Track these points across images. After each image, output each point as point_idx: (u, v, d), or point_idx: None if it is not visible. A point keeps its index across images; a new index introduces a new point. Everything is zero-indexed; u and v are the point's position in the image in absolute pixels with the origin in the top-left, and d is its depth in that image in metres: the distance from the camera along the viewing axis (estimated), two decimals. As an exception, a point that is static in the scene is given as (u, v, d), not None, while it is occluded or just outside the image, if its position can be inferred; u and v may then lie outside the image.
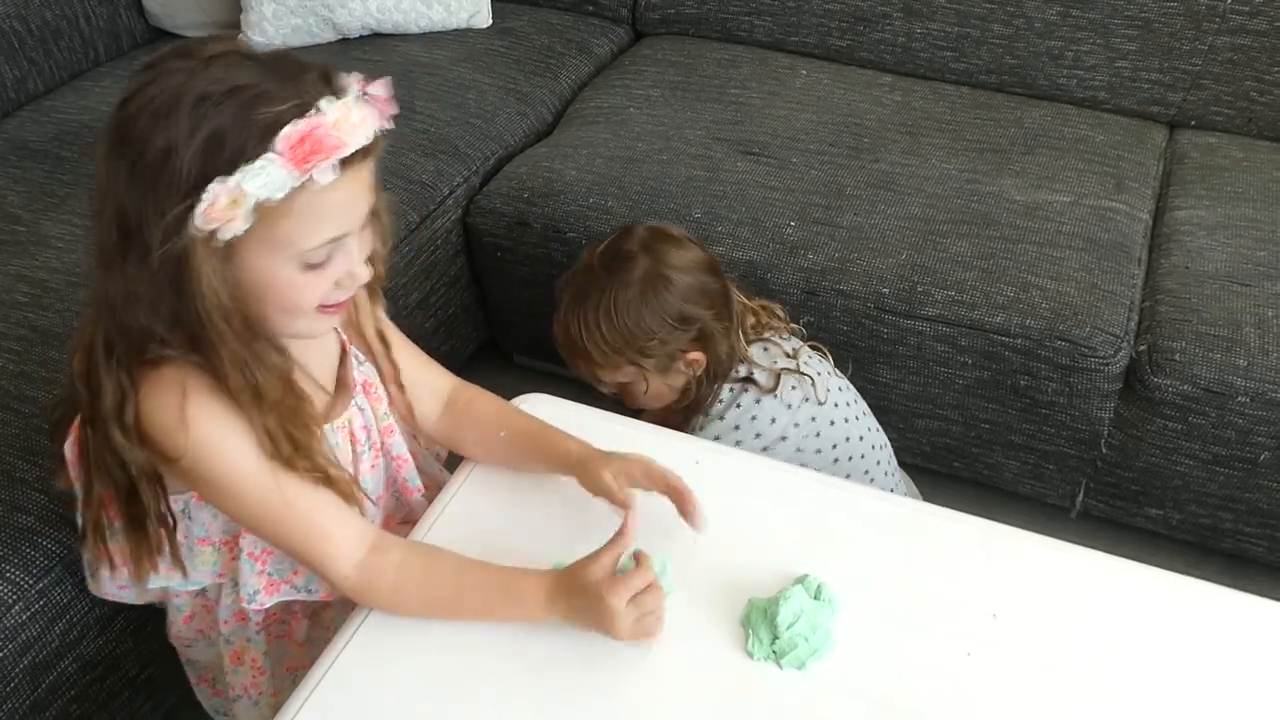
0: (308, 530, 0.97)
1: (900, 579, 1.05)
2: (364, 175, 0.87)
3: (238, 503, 0.96)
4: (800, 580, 1.01)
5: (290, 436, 0.94)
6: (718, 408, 1.38)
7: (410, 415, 1.15)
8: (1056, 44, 2.00)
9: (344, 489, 1.00)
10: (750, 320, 1.44)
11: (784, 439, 1.37)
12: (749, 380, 1.38)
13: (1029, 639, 1.00)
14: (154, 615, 1.31)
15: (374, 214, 0.93)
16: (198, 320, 0.85)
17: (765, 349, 1.41)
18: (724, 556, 1.05)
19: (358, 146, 0.83)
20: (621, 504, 1.03)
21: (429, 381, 1.16)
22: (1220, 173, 1.86)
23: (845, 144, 1.88)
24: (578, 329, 1.35)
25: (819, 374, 1.41)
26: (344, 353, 1.09)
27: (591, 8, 2.33)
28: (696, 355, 1.36)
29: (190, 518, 1.05)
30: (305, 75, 0.83)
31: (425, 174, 1.78)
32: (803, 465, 1.39)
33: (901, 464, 1.70)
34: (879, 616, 1.01)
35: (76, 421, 1.00)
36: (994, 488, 1.79)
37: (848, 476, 1.44)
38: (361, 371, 1.10)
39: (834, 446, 1.41)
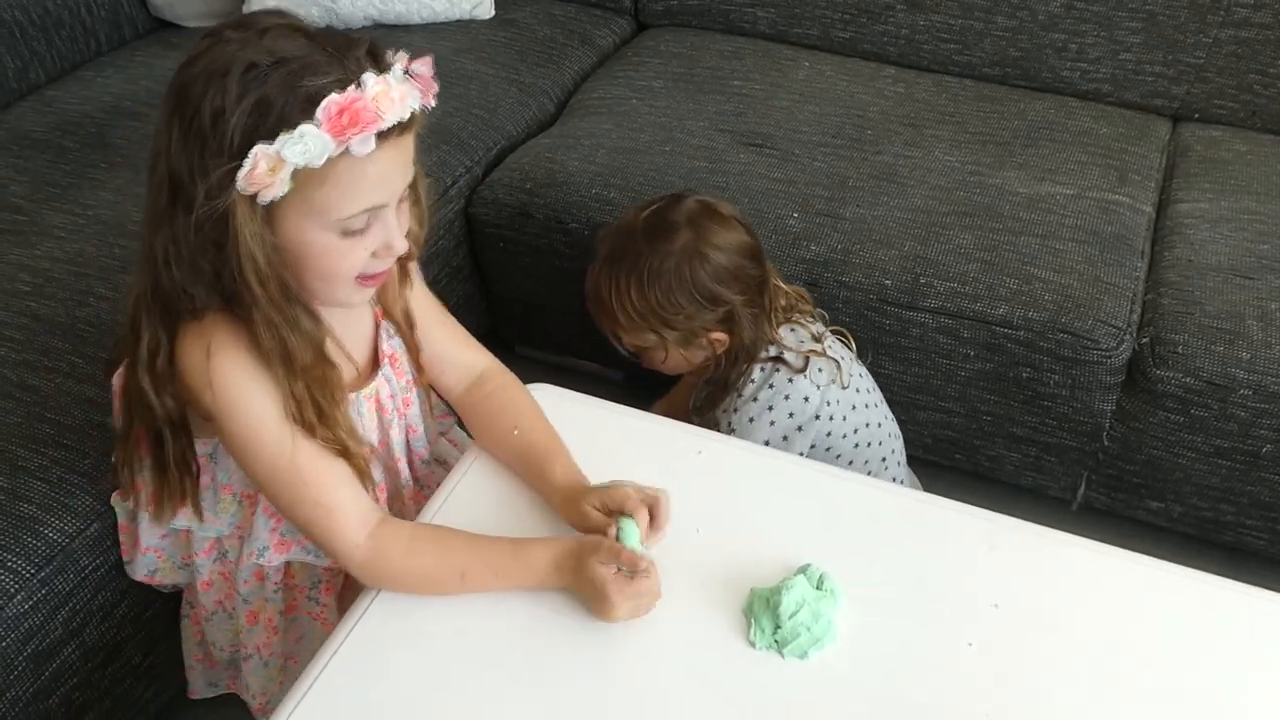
0: (318, 497, 1.00)
1: (902, 569, 1.05)
2: (402, 149, 0.90)
3: (253, 462, 0.99)
4: (803, 570, 1.02)
5: (316, 403, 0.97)
6: (750, 388, 1.38)
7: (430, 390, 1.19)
8: (1060, 36, 2.00)
9: (359, 464, 1.03)
10: (782, 302, 1.44)
11: (817, 418, 1.38)
12: (779, 360, 1.38)
13: (1030, 630, 1.00)
14: (155, 601, 1.32)
15: (414, 195, 0.98)
16: (235, 281, 0.89)
17: (793, 330, 1.42)
18: (726, 546, 1.06)
19: (395, 121, 0.86)
20: (599, 528, 1.01)
21: (461, 359, 1.19)
22: (1223, 166, 1.86)
23: (848, 136, 1.88)
24: (608, 289, 1.36)
25: (843, 358, 1.42)
26: (377, 325, 1.12)
27: (594, -1, 2.32)
28: (720, 336, 1.37)
29: (216, 462, 1.09)
30: (353, 50, 0.86)
31: (428, 164, 1.74)
32: (829, 448, 1.41)
33: (903, 456, 1.70)
34: (881, 606, 1.01)
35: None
36: (995, 480, 1.79)
37: (866, 463, 1.45)
38: (390, 344, 1.13)
39: (855, 431, 1.42)
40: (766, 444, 1.37)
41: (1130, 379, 1.58)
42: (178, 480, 1.07)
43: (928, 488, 1.62)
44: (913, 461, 1.64)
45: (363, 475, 1.04)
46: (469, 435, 1.23)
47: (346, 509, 1.01)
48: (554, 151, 1.84)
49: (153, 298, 0.95)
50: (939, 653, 0.98)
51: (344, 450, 1.01)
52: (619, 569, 0.96)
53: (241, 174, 0.83)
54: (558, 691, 0.94)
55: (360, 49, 0.87)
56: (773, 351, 1.39)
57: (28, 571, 1.17)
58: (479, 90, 1.97)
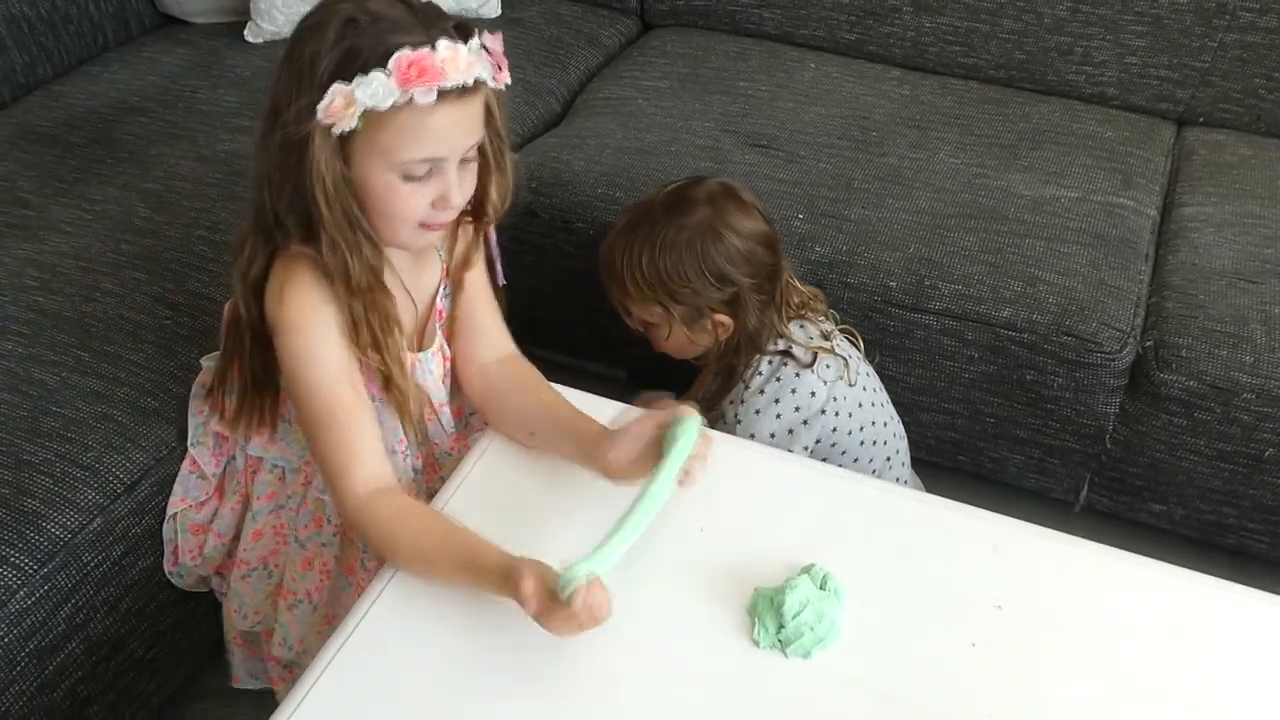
0: (344, 433, 1.06)
1: (906, 570, 1.05)
2: (465, 110, 0.99)
3: (300, 382, 1.07)
4: (806, 570, 1.02)
5: (370, 327, 1.06)
6: (757, 380, 1.39)
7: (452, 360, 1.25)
8: (1066, 40, 2.00)
9: (399, 399, 1.12)
10: (795, 300, 1.45)
11: (822, 413, 1.38)
12: (787, 354, 1.39)
13: (1033, 631, 1.00)
14: (160, 595, 1.32)
15: (498, 165, 1.09)
16: (308, 199, 1.00)
17: (802, 326, 1.43)
18: (730, 545, 1.06)
19: (457, 83, 0.96)
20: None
21: (495, 335, 1.26)
22: (1228, 170, 1.86)
23: (853, 137, 1.88)
24: (621, 256, 1.38)
25: (850, 357, 1.43)
26: (440, 282, 1.20)
27: (600, -1, 2.33)
28: (724, 319, 1.38)
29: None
30: (441, 21, 0.98)
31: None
32: (835, 444, 1.41)
33: (906, 457, 1.69)
34: (884, 607, 1.01)
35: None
36: (998, 482, 1.79)
37: (870, 461, 1.45)
38: (443, 302, 1.22)
39: (861, 429, 1.43)
40: (772, 437, 1.38)
41: (1134, 382, 1.58)
42: (257, 398, 1.17)
43: (931, 489, 1.62)
44: (916, 463, 1.64)
45: (401, 411, 1.13)
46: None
47: (363, 455, 1.06)
48: (559, 151, 1.84)
49: (256, 223, 1.07)
50: (942, 653, 0.98)
51: (388, 379, 1.10)
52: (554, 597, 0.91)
53: (321, 106, 0.95)
54: (561, 689, 0.94)
55: (449, 21, 0.99)
56: (781, 345, 1.39)
57: (30, 567, 1.17)
58: (485, 89, 1.96)
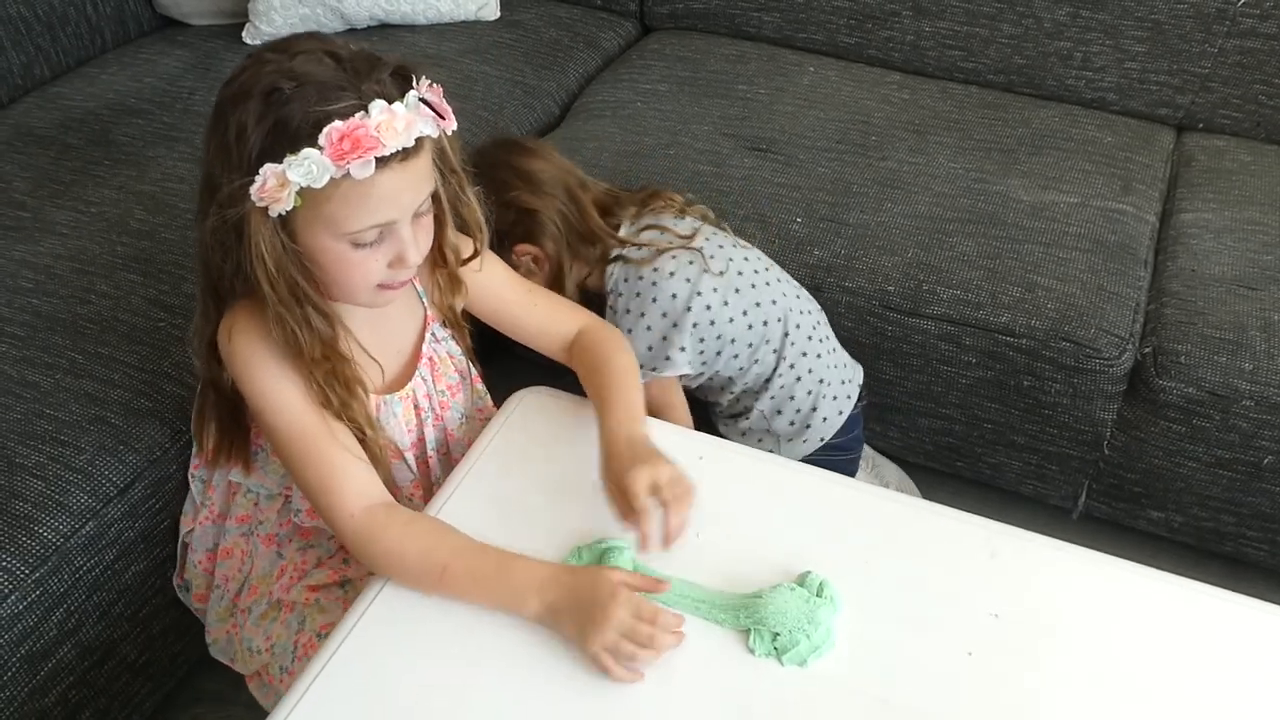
0: (321, 461, 1.04)
1: (902, 577, 1.05)
2: (410, 171, 0.95)
3: (269, 424, 1.06)
4: (803, 577, 1.01)
5: (333, 391, 1.04)
6: (620, 303, 1.40)
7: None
8: (1065, 45, 2.00)
9: (373, 450, 1.08)
10: (632, 210, 1.47)
11: (689, 309, 1.38)
12: (623, 260, 1.41)
13: (1030, 639, 1.00)
14: (153, 599, 1.31)
15: (458, 219, 1.07)
16: (251, 277, 0.96)
17: (661, 232, 1.44)
18: (726, 553, 1.05)
19: (396, 148, 0.91)
20: (628, 515, 1.02)
21: (557, 327, 1.25)
22: (1228, 176, 1.85)
23: (852, 141, 1.88)
24: None
25: (720, 246, 1.44)
26: (425, 328, 1.18)
27: (600, 2, 2.32)
28: (528, 248, 1.40)
29: None
30: (375, 73, 0.93)
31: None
32: (720, 336, 1.41)
33: (903, 463, 1.69)
34: (880, 614, 1.01)
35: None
36: (996, 488, 1.78)
37: (767, 342, 1.44)
38: (432, 348, 1.18)
39: (745, 313, 1.42)
40: (650, 350, 1.38)
41: (1132, 388, 1.58)
42: (227, 438, 1.17)
43: (928, 495, 1.62)
44: (913, 468, 1.63)
45: (375, 461, 1.08)
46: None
47: (350, 475, 1.05)
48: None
49: (206, 286, 1.04)
50: (938, 661, 0.97)
51: (361, 436, 1.07)
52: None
53: (253, 189, 0.91)
54: (554, 697, 0.94)
55: (384, 71, 0.93)
56: (616, 251, 1.41)
57: (22, 572, 1.16)
58: (483, 92, 1.96)
